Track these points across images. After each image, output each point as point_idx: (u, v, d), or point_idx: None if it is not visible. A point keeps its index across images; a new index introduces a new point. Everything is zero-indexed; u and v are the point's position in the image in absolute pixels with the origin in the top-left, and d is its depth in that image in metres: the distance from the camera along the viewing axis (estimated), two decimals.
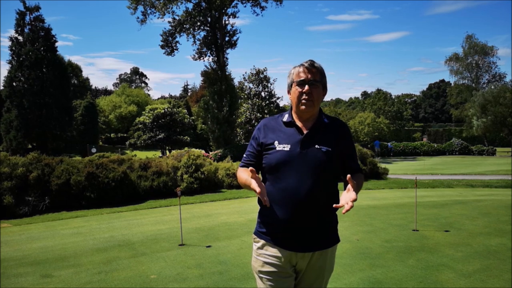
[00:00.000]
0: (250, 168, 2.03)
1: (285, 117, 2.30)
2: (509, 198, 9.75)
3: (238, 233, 6.74)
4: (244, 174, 2.21)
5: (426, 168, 23.42)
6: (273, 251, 2.22)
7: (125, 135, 56.91)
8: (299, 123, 2.25)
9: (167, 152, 34.88)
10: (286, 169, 2.16)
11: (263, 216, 2.26)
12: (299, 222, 2.14)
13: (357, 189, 2.07)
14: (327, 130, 2.24)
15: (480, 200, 9.80)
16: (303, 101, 2.19)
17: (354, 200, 1.96)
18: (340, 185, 2.22)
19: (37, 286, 4.58)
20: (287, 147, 2.18)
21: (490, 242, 5.80)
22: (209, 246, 5.94)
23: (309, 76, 2.20)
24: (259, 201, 2.26)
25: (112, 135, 64.14)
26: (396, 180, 15.65)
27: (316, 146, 2.17)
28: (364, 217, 7.77)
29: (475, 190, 12.78)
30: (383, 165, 17.41)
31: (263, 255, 2.25)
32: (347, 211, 1.93)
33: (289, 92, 2.30)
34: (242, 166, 2.34)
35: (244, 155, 2.38)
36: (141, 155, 26.66)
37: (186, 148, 31.80)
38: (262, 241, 2.26)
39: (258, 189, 1.99)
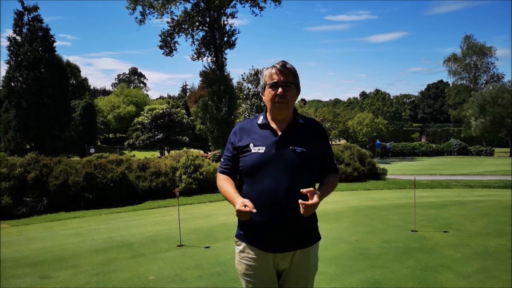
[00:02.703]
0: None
1: (260, 119, 2.32)
2: (508, 198, 9.75)
3: None
4: (227, 187, 2.26)
5: (425, 169, 23.44)
6: (253, 253, 2.24)
7: (123, 135, 56.81)
8: (273, 125, 2.26)
9: (166, 152, 34.85)
10: (262, 171, 2.18)
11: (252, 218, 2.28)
12: (277, 223, 2.15)
13: (323, 194, 2.17)
14: (302, 130, 2.26)
15: (479, 200, 9.80)
16: (277, 103, 2.21)
17: (315, 204, 2.04)
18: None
19: (36, 287, 4.56)
20: (262, 149, 2.20)
21: (489, 243, 5.80)
22: (207, 247, 5.92)
23: (282, 78, 2.21)
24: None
25: (110, 135, 64.04)
26: (395, 181, 15.65)
27: (291, 147, 2.18)
28: (363, 217, 7.77)
29: (474, 191, 12.78)
30: (381, 166, 17.42)
31: (245, 258, 2.28)
32: (306, 211, 2.03)
33: (262, 94, 2.31)
34: (221, 172, 2.37)
35: (222, 160, 2.43)
36: (140, 155, 26.60)
37: (184, 149, 31.83)
38: (243, 244, 2.29)
39: (242, 206, 2.05)
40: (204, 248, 5.89)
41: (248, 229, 2.25)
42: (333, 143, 45.15)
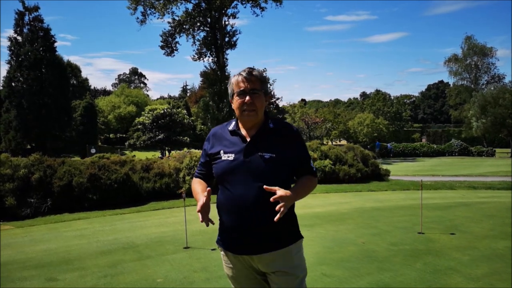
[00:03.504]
0: (208, 189, 2.20)
1: (231, 126, 2.34)
2: None
3: None
4: (196, 187, 2.35)
5: (426, 169, 23.45)
6: (231, 257, 2.31)
7: (124, 135, 56.76)
8: (243, 131, 2.27)
9: (167, 152, 34.82)
10: (231, 178, 2.20)
11: (220, 225, 2.33)
12: (247, 228, 2.18)
13: (293, 193, 2.12)
14: (271, 135, 2.24)
15: (483, 202, 9.79)
16: (245, 111, 2.22)
17: (283, 196, 2.02)
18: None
19: None
20: (231, 156, 2.22)
21: (497, 245, 5.78)
22: (214, 249, 5.89)
23: (248, 85, 2.21)
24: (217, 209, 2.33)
25: (111, 135, 64.03)
26: (398, 182, 15.63)
27: (259, 153, 2.18)
28: (369, 219, 7.74)
29: (477, 192, 12.78)
30: (384, 166, 17.41)
31: (226, 262, 2.36)
32: (280, 208, 2.00)
33: (231, 101, 2.32)
34: (195, 176, 2.46)
35: (198, 165, 2.49)
36: (141, 155, 26.58)
37: (185, 149, 31.82)
38: (222, 249, 2.36)
39: (198, 208, 2.13)
40: (210, 250, 5.86)
41: (222, 235, 2.32)
42: (334, 143, 45.13)
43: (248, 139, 2.24)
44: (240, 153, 2.21)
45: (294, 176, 2.32)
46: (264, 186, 2.05)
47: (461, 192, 12.92)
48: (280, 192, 2.03)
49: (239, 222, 2.20)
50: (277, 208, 2.00)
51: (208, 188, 2.23)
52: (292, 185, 2.28)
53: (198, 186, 2.35)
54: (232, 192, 2.21)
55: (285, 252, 2.24)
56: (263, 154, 2.18)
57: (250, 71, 2.24)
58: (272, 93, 39.87)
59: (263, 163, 2.16)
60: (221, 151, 2.27)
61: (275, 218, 2.00)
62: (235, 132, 2.29)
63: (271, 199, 2.00)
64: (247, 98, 2.20)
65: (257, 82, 2.23)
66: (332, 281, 4.46)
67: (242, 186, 2.17)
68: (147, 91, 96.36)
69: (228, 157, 2.23)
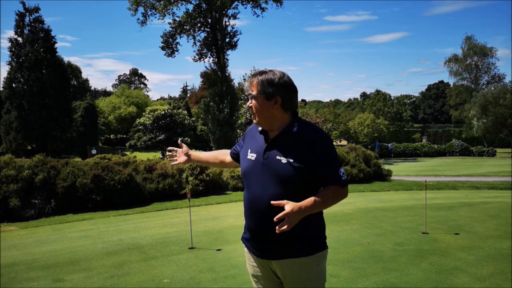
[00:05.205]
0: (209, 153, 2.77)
1: None
2: None
3: None
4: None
5: (428, 170, 23.47)
6: (252, 256, 2.32)
7: (124, 136, 56.79)
8: (270, 132, 2.23)
9: (167, 153, 34.82)
10: (251, 178, 2.21)
11: (245, 223, 2.34)
12: (259, 231, 2.18)
13: (308, 204, 2.00)
14: (293, 139, 2.14)
15: (487, 202, 9.79)
16: (252, 115, 2.24)
17: (288, 213, 1.92)
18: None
19: None
20: (253, 156, 2.23)
21: (502, 245, 5.80)
22: (219, 250, 5.91)
23: (250, 90, 2.22)
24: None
25: (111, 136, 64.03)
26: (401, 182, 15.65)
27: (277, 157, 2.12)
28: (373, 219, 7.76)
29: (480, 192, 12.79)
30: (385, 167, 17.43)
31: (250, 260, 2.36)
32: (285, 224, 1.92)
33: None
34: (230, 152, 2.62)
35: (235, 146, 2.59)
36: (142, 156, 26.57)
37: None
38: (245, 247, 2.37)
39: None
40: (216, 250, 5.88)
41: (246, 233, 2.32)
42: (335, 144, 45.03)
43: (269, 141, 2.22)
44: (260, 154, 2.20)
45: (319, 184, 2.16)
46: (272, 202, 1.98)
47: (464, 192, 12.93)
48: (288, 208, 1.93)
49: (254, 224, 2.21)
50: (277, 229, 1.92)
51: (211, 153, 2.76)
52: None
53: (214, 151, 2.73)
54: (250, 193, 2.22)
55: (303, 262, 2.15)
56: (281, 158, 2.11)
57: (255, 74, 2.23)
58: None
59: (279, 167, 2.10)
60: (248, 150, 2.29)
61: (277, 230, 1.92)
62: (262, 132, 2.26)
63: (275, 218, 1.91)
64: (248, 102, 2.23)
65: (254, 87, 2.19)
66: (338, 281, 4.47)
67: (258, 188, 2.16)
68: (148, 92, 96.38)
69: (252, 156, 2.24)
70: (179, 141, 2.84)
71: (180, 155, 2.80)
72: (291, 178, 2.09)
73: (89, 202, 10.29)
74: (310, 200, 2.02)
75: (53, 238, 7.32)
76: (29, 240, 7.26)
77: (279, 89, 2.15)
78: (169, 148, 2.84)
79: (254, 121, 2.25)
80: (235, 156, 2.53)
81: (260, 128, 2.27)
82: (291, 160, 2.09)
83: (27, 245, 6.89)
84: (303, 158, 2.09)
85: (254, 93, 2.19)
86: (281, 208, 1.97)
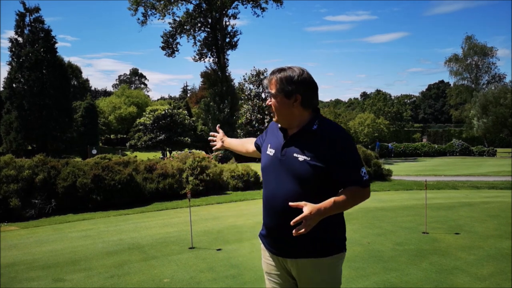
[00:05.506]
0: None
1: None
2: None
3: (247, 236, 6.71)
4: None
5: (428, 169, 23.45)
6: (267, 254, 2.31)
7: (125, 136, 56.84)
8: (289, 129, 2.20)
9: (168, 153, 34.85)
10: (269, 174, 2.20)
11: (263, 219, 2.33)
12: (278, 229, 2.14)
13: (326, 206, 1.94)
14: (312, 137, 2.09)
15: (487, 202, 9.79)
16: (272, 113, 2.23)
17: (306, 217, 1.86)
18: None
19: None
20: (272, 152, 2.21)
21: (502, 245, 5.79)
22: (219, 249, 5.92)
23: (269, 88, 2.21)
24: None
25: (112, 136, 64.08)
26: (401, 182, 15.64)
27: (294, 154, 2.08)
28: (373, 219, 7.76)
29: (481, 192, 12.78)
30: (386, 167, 17.42)
31: (264, 257, 2.34)
32: (302, 228, 1.86)
33: None
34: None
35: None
36: (142, 156, 26.60)
37: (186, 150, 31.81)
38: (261, 243, 2.35)
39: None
40: (216, 250, 5.88)
41: (262, 230, 2.30)
42: None
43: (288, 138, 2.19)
44: (278, 151, 2.17)
45: (339, 185, 2.09)
46: (290, 203, 1.92)
47: (464, 192, 12.92)
48: (306, 210, 1.87)
49: (270, 222, 2.19)
50: (294, 233, 1.86)
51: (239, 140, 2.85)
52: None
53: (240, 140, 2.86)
54: (268, 190, 2.20)
55: (318, 263, 2.10)
56: (298, 156, 2.06)
57: (272, 72, 2.20)
58: None
59: (296, 165, 2.06)
60: (268, 145, 2.28)
61: (294, 233, 1.87)
62: (282, 129, 2.23)
63: (292, 222, 1.86)
64: (267, 101, 2.23)
65: (272, 85, 2.18)
66: None
67: (275, 185, 2.14)
68: (148, 91, 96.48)
69: (270, 152, 2.23)
70: (217, 127, 3.05)
71: (218, 140, 2.92)
72: (307, 177, 2.04)
73: (89, 202, 10.29)
74: (329, 201, 1.95)
75: (53, 238, 7.32)
76: (29, 240, 7.26)
77: (298, 87, 2.11)
78: (211, 133, 2.98)
79: (274, 119, 2.23)
80: (258, 147, 2.56)
81: (279, 125, 2.25)
82: (308, 159, 2.04)
83: (27, 245, 6.89)
84: (321, 157, 2.03)
85: (273, 91, 2.17)
86: (299, 208, 1.92)
